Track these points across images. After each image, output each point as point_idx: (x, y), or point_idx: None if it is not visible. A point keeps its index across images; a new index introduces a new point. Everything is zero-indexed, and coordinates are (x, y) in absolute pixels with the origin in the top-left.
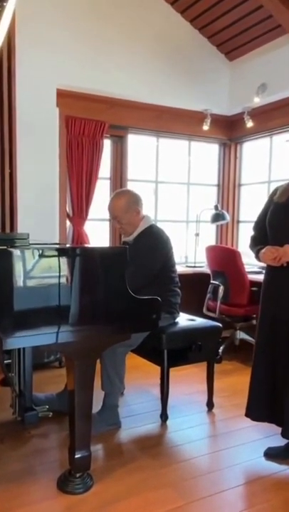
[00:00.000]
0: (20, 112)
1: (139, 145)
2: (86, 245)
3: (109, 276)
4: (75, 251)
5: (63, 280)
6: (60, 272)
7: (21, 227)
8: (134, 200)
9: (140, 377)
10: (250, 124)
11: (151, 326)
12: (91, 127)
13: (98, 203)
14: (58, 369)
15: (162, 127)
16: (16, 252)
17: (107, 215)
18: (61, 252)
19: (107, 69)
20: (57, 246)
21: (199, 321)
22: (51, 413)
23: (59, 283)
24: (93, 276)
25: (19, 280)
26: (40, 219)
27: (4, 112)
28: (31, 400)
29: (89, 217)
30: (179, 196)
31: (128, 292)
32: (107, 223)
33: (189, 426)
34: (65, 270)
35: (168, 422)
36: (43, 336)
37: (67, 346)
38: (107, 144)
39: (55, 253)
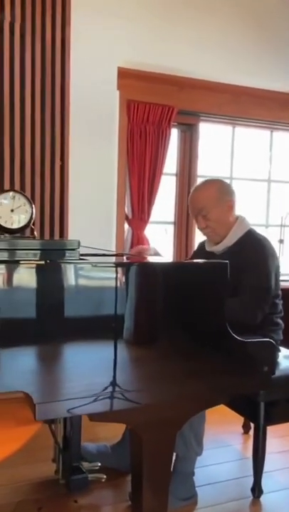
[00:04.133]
0: (74, 95)
1: (211, 135)
2: (166, 260)
3: (203, 307)
4: (154, 268)
5: (133, 313)
6: (126, 300)
7: (72, 230)
8: (226, 190)
9: (215, 421)
10: None
11: (262, 384)
12: (157, 113)
13: (160, 204)
14: None
15: (239, 112)
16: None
17: (170, 218)
18: (129, 269)
19: (176, 43)
20: (118, 260)
21: None
22: (105, 476)
23: (128, 317)
24: (180, 308)
25: (66, 303)
26: (94, 220)
27: (56, 94)
28: (79, 455)
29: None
30: (258, 195)
31: (228, 331)
32: (171, 227)
33: None
34: (134, 297)
35: (262, 499)
36: (95, 402)
37: (132, 415)
38: (172, 134)
39: (119, 271)
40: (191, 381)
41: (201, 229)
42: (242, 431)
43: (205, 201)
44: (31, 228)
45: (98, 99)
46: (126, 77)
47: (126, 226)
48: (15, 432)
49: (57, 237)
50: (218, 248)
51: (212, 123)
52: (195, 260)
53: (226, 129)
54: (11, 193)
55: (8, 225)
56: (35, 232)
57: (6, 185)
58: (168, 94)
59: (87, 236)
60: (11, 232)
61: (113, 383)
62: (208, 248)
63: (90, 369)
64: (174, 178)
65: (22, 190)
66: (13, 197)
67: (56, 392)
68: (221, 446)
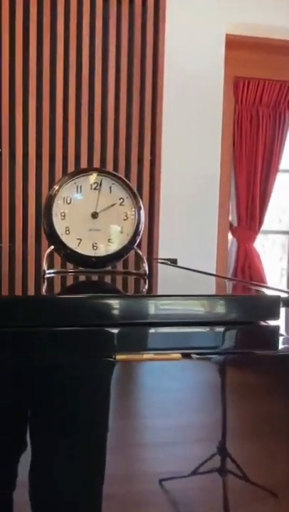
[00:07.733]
0: (169, 73)
1: None
2: None
3: None
4: None
5: None
6: None
7: (163, 240)
8: None
9: None
10: None
11: None
12: (273, 92)
13: (272, 208)
14: None
15: None
16: None
17: (285, 226)
18: None
19: None
20: None
21: None
22: None
23: None
24: None
25: None
26: (190, 230)
27: (147, 69)
28: None
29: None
30: None
31: None
32: (285, 238)
33: None
34: None
35: None
36: None
37: None
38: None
39: None
40: None
41: None
42: None
43: None
44: (138, 254)
45: (198, 77)
46: (234, 47)
47: (230, 237)
48: None
49: (144, 251)
50: None
51: None
52: None
53: None
54: (92, 177)
55: (86, 251)
56: (145, 264)
57: None
58: (287, 66)
59: (181, 250)
60: (93, 264)
61: None
62: None
63: None
64: (288, 176)
65: None
66: (98, 184)
67: None
68: None
